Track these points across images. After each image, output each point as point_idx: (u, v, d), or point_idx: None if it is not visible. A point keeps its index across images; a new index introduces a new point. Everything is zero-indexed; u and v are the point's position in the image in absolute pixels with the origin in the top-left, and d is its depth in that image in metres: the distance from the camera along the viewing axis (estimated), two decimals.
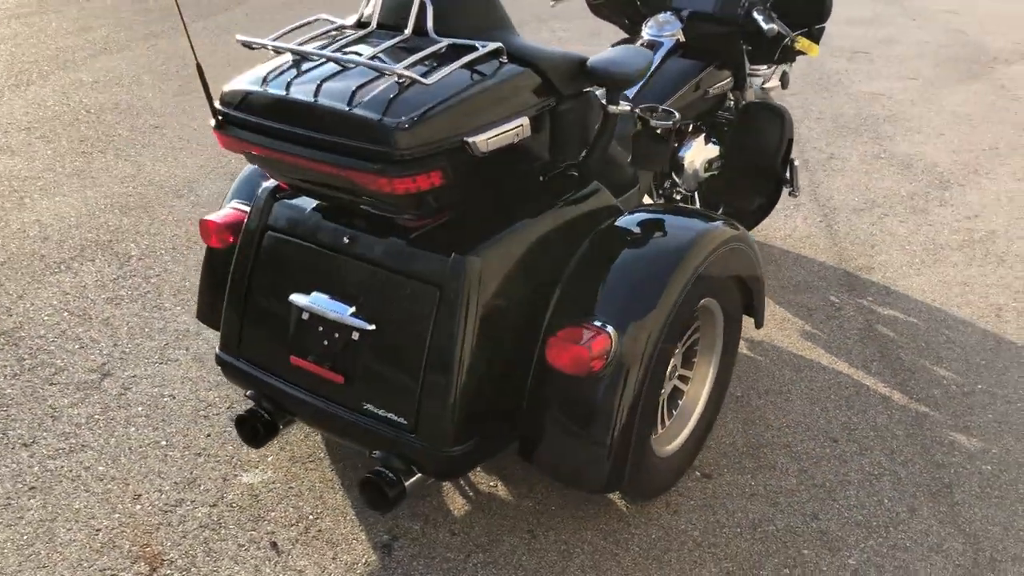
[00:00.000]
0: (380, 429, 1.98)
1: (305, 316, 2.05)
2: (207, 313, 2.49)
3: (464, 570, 2.15)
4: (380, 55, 1.95)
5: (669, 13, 3.07)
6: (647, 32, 3.07)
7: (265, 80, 1.95)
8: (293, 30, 2.14)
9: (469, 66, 1.93)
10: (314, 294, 2.03)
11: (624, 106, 2.23)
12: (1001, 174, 4.49)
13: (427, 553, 2.19)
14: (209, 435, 2.56)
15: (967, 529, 2.31)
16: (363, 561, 2.17)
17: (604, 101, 2.22)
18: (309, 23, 2.18)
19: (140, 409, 2.66)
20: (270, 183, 2.20)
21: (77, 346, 2.96)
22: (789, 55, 3.08)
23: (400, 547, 2.21)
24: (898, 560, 2.21)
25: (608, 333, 1.95)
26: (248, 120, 1.93)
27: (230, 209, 2.36)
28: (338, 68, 1.94)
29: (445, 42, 1.98)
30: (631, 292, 2.03)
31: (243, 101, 1.95)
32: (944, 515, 2.36)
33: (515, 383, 2.04)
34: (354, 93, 1.83)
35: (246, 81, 1.99)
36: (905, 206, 4.11)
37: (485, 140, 1.89)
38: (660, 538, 2.25)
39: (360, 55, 1.93)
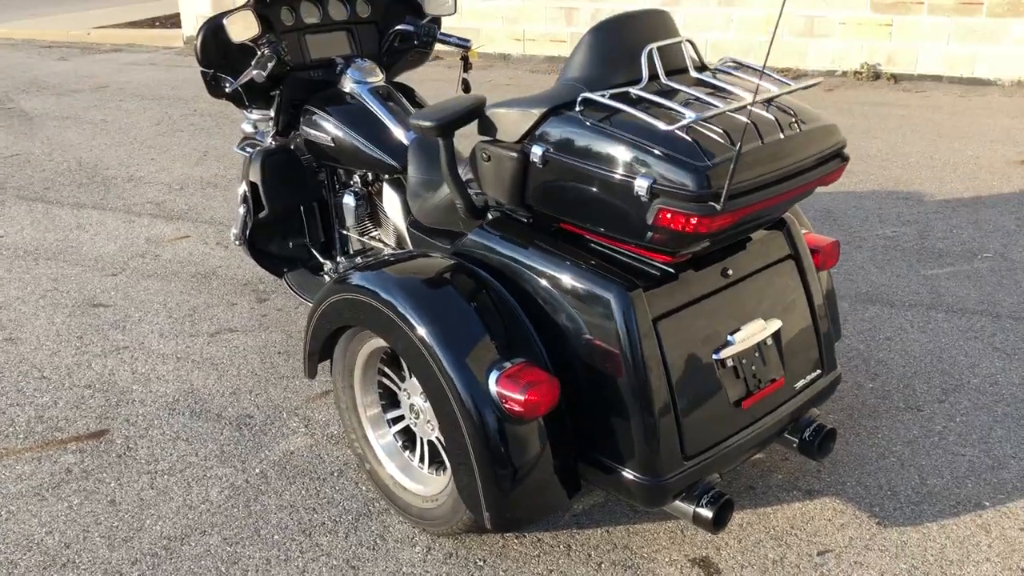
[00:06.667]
0: (809, 392, 2.33)
1: (729, 363, 2.15)
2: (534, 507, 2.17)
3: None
4: (730, 91, 2.13)
5: (365, 60, 3.12)
6: (352, 82, 3.04)
7: (720, 146, 1.95)
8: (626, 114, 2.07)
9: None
10: (730, 336, 2.14)
11: None
12: None
13: (864, 561, 2.27)
14: None
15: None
16: None
17: None
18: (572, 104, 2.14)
19: None
20: (615, 296, 2.02)
21: None
22: (467, 65, 3.24)
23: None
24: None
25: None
26: (750, 184, 1.97)
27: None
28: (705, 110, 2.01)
29: (722, 67, 2.28)
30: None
31: (738, 170, 1.93)
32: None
33: None
34: (785, 118, 2.08)
35: (700, 157, 1.91)
36: None
37: None
38: (855, 495, 2.51)
39: (702, 98, 2.06)
